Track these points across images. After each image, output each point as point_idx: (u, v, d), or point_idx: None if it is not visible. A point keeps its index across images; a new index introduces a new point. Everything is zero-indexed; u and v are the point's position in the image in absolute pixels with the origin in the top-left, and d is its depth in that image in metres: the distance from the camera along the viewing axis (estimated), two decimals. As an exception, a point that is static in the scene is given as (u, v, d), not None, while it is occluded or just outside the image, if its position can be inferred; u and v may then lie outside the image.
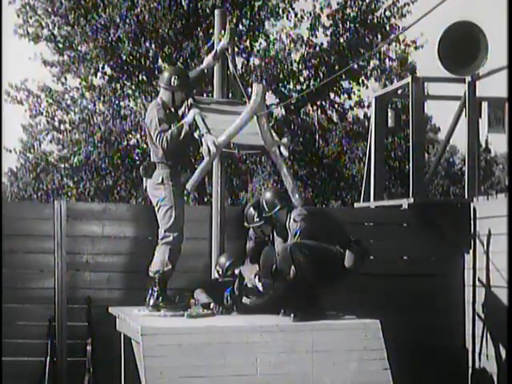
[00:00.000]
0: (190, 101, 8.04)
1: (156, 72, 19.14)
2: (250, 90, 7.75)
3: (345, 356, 6.97)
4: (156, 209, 7.84)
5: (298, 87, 20.58)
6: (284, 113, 20.96)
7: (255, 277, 7.83)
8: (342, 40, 20.50)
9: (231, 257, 8.28)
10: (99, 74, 20.13)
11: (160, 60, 19.68)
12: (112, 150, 19.97)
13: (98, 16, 19.37)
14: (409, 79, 10.55)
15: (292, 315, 7.21)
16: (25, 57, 21.72)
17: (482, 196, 9.92)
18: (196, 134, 7.71)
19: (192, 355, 6.65)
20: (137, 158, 20.18)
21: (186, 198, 8.81)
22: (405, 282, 9.68)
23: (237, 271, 8.08)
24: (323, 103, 20.95)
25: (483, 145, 13.97)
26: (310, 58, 20.40)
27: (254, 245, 8.29)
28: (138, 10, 19.03)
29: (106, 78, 20.17)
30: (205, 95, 13.84)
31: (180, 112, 8.02)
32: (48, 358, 8.77)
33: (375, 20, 20.59)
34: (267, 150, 7.72)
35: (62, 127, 21.16)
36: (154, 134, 7.74)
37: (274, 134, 7.74)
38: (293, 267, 7.31)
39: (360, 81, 20.82)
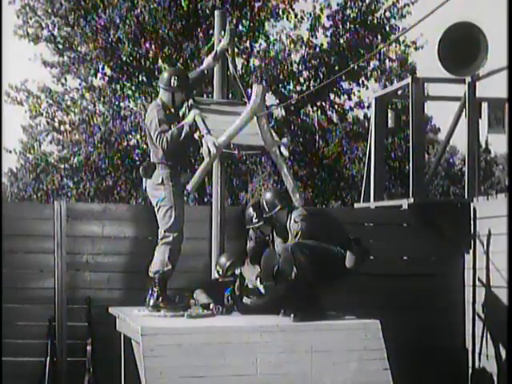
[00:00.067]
0: (191, 102, 8.05)
1: (156, 73, 19.14)
2: (250, 90, 7.75)
3: (345, 356, 6.97)
4: (156, 209, 7.85)
5: (298, 88, 20.58)
6: (284, 113, 20.96)
7: (256, 278, 7.83)
8: (341, 41, 20.49)
9: (231, 257, 8.28)
10: (99, 75, 20.14)
11: (160, 61, 19.68)
12: (112, 150, 19.97)
13: (97, 17, 19.37)
14: (409, 80, 10.55)
15: (292, 315, 7.22)
16: (25, 57, 21.76)
17: (482, 196, 9.93)
18: (196, 135, 7.71)
19: (192, 355, 6.66)
20: (137, 158, 20.19)
21: (185, 198, 8.80)
22: (405, 282, 9.69)
23: (237, 271, 8.08)
24: (323, 104, 20.95)
25: (483, 145, 13.95)
26: (310, 59, 20.41)
27: (254, 245, 8.29)
28: (138, 10, 19.02)
29: (106, 78, 20.18)
30: (205, 96, 13.84)
31: (180, 113, 8.03)
32: (48, 358, 8.76)
33: (375, 21, 20.59)
34: (267, 150, 7.72)
35: (62, 128, 21.17)
36: (153, 134, 7.74)
37: (274, 135, 7.75)
38: (294, 268, 7.31)
39: (360, 81, 20.83)
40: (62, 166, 21.15)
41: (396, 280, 9.65)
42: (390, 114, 11.64)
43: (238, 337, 6.84)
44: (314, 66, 20.41)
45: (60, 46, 20.33)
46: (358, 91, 21.04)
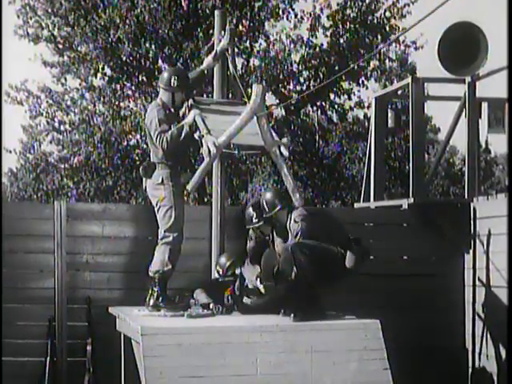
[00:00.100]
0: (191, 101, 8.05)
1: (156, 73, 19.15)
2: (250, 90, 7.75)
3: (345, 356, 6.97)
4: (156, 209, 7.84)
5: (298, 88, 20.59)
6: (284, 113, 20.97)
7: (257, 279, 7.83)
8: (341, 41, 20.50)
9: (231, 257, 8.27)
10: (99, 75, 20.15)
11: (160, 61, 19.70)
12: (112, 150, 19.98)
13: (97, 17, 19.38)
14: (409, 80, 10.55)
15: (292, 315, 7.21)
16: (25, 57, 21.77)
17: (481, 196, 9.92)
18: (196, 135, 7.71)
19: (192, 355, 6.65)
20: (137, 158, 20.19)
21: (185, 198, 8.80)
22: (405, 282, 9.68)
23: (237, 271, 8.08)
24: (323, 104, 20.96)
25: (483, 145, 13.95)
26: (310, 59, 20.42)
27: (254, 244, 8.28)
28: (138, 10, 19.04)
29: (106, 78, 20.18)
30: (205, 96, 13.84)
31: (181, 113, 8.02)
32: (48, 358, 8.76)
33: (375, 21, 20.60)
34: (267, 150, 7.72)
35: (62, 128, 21.19)
36: (153, 134, 7.74)
37: (274, 135, 7.75)
38: (294, 268, 7.30)
39: (360, 81, 20.83)
40: (62, 166, 21.16)
41: (396, 280, 9.64)
42: (389, 114, 11.64)
43: (237, 337, 6.84)
44: (313, 66, 20.42)
45: (60, 46, 20.33)
46: (358, 91, 21.08)
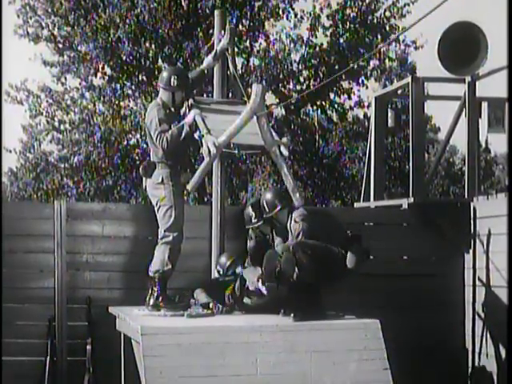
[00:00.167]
0: (191, 101, 8.04)
1: (156, 72, 19.14)
2: (250, 90, 7.75)
3: (345, 356, 6.97)
4: (156, 208, 7.84)
5: (298, 87, 20.59)
6: (284, 113, 20.97)
7: (258, 280, 7.80)
8: (341, 40, 20.50)
9: (232, 256, 8.27)
10: (99, 75, 20.15)
11: (160, 60, 19.69)
12: (112, 149, 19.98)
13: (97, 16, 19.37)
14: (409, 79, 10.54)
15: (292, 315, 7.21)
16: (25, 57, 21.76)
17: (481, 196, 9.92)
18: (196, 135, 7.71)
19: (192, 355, 6.65)
20: (137, 157, 20.19)
21: (185, 197, 8.80)
22: (405, 282, 9.68)
23: (238, 270, 8.08)
24: (323, 103, 20.95)
25: (483, 145, 13.94)
26: (310, 59, 20.41)
27: (255, 243, 8.29)
28: (138, 10, 19.04)
29: (106, 78, 20.18)
30: (205, 95, 13.84)
31: (181, 112, 8.02)
32: (48, 357, 8.76)
33: (375, 20, 20.60)
34: (267, 149, 7.72)
35: (62, 127, 21.18)
36: (154, 134, 7.74)
37: (273, 134, 7.74)
38: (295, 268, 7.29)
39: (360, 81, 20.83)
40: (62, 166, 21.16)
41: (396, 280, 9.64)
42: (389, 114, 11.64)
43: (237, 336, 6.84)
44: (313, 66, 20.41)
45: (60, 46, 20.34)
46: (358, 90, 21.07)
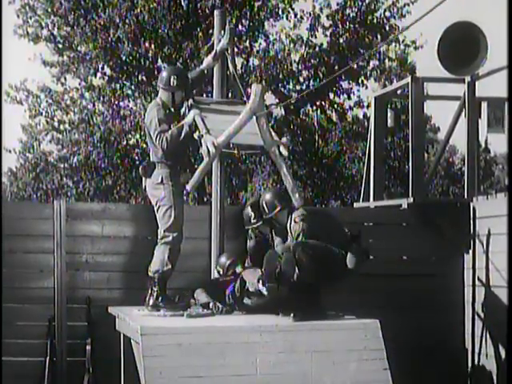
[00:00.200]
0: (190, 101, 8.04)
1: (156, 72, 19.14)
2: (249, 90, 7.75)
3: (345, 356, 6.96)
4: (155, 208, 7.84)
5: (298, 87, 20.60)
6: (284, 113, 20.97)
7: (258, 281, 7.79)
8: (341, 40, 20.51)
9: (232, 256, 8.27)
10: (99, 75, 20.17)
11: (160, 60, 19.70)
12: (111, 150, 19.98)
13: (97, 16, 19.38)
14: (408, 79, 10.54)
15: (292, 315, 7.21)
16: (24, 57, 21.78)
17: (481, 196, 9.92)
18: (196, 135, 7.70)
19: (192, 355, 6.65)
20: (136, 158, 20.20)
21: (185, 197, 8.81)
22: (405, 281, 9.68)
23: (238, 270, 8.07)
24: (323, 103, 20.96)
25: (483, 145, 13.95)
26: (310, 59, 20.42)
27: (255, 243, 8.28)
28: (138, 10, 19.04)
29: (106, 78, 20.19)
30: (204, 95, 13.84)
31: (181, 112, 8.02)
32: (48, 358, 8.76)
33: (375, 20, 20.61)
34: (267, 149, 7.72)
35: (62, 127, 21.19)
36: (153, 134, 7.74)
37: (273, 134, 7.74)
38: (296, 268, 7.29)
39: (359, 81, 20.84)
40: (62, 166, 21.16)
41: (396, 280, 9.64)
42: (389, 114, 11.64)
43: (237, 337, 6.84)
44: (313, 66, 20.42)
45: (60, 46, 20.35)
46: (358, 90, 21.08)
